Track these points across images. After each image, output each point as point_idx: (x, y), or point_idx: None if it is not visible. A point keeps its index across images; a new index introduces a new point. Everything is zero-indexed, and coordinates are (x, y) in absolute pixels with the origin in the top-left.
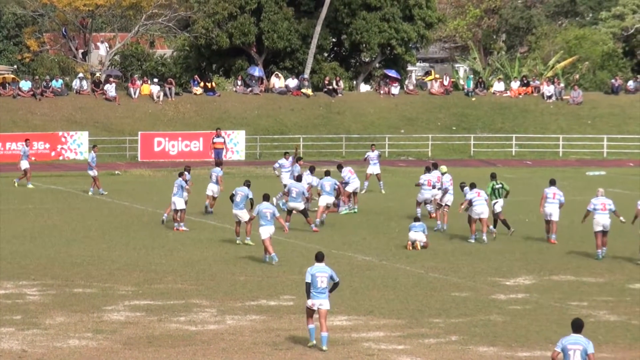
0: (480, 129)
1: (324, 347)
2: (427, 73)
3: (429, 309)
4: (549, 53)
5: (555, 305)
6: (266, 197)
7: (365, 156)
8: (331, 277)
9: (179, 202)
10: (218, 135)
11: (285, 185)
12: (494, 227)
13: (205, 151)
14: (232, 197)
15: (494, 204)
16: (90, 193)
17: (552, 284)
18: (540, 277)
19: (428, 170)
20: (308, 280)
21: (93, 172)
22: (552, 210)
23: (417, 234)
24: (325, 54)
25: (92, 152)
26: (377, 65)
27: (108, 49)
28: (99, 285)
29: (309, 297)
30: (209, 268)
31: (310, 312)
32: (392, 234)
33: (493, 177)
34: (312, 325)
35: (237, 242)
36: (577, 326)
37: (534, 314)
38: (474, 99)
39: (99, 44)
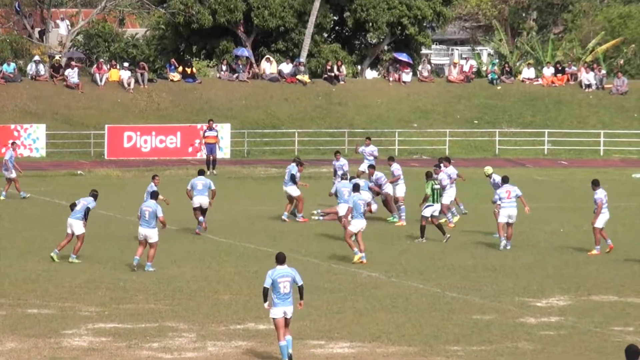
0: (507, 123)
1: (291, 350)
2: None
3: (446, 334)
4: (588, 34)
5: (595, 331)
6: (357, 187)
7: (360, 150)
8: (294, 281)
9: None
10: (211, 128)
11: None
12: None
13: (184, 148)
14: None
15: (427, 207)
16: (2, 197)
17: (591, 306)
18: (577, 297)
19: (438, 166)
20: (267, 285)
21: (10, 174)
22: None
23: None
24: (325, 35)
25: (11, 150)
26: (386, 47)
27: (69, 27)
28: (58, 305)
29: (265, 301)
30: (187, 285)
31: (280, 323)
32: (403, 246)
33: (429, 176)
34: (284, 342)
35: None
36: (633, 353)
37: (569, 341)
38: (499, 87)
39: (58, 21)
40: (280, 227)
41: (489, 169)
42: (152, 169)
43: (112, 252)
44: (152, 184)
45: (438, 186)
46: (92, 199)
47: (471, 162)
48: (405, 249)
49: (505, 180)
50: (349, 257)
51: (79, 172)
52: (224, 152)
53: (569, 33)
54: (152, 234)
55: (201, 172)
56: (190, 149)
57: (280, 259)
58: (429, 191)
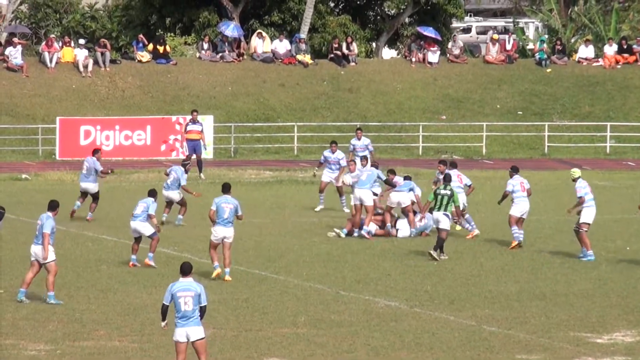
0: (559, 115)
1: None
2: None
3: None
4: None
5: None
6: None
7: (351, 146)
8: (199, 298)
9: (142, 226)
10: (194, 121)
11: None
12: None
13: (155, 145)
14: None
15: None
16: None
17: None
18: None
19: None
20: (166, 301)
21: None
22: None
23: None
24: (332, 4)
25: None
26: (408, 20)
27: None
28: None
29: (163, 320)
30: (159, 317)
31: (181, 348)
32: (428, 268)
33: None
34: None
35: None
36: None
37: None
38: (549, 70)
39: None
40: (276, 244)
41: (576, 172)
42: (116, 173)
43: (66, 275)
44: (94, 158)
45: (448, 192)
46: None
47: (514, 163)
48: (431, 271)
49: (515, 170)
50: (364, 280)
51: (23, 176)
52: (205, 150)
53: (638, 2)
54: (144, 228)
55: (226, 189)
56: (163, 147)
57: (185, 270)
58: (431, 197)
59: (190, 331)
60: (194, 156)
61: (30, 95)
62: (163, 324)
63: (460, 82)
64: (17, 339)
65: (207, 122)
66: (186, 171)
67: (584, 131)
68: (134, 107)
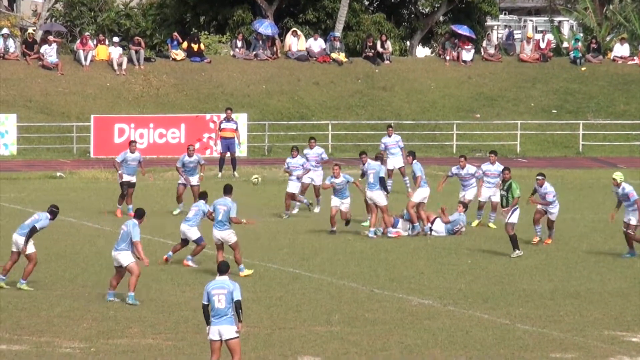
0: (594, 113)
1: None
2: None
3: None
4: None
5: None
6: None
7: (382, 144)
8: (232, 296)
9: (191, 231)
10: (229, 119)
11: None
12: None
13: (189, 143)
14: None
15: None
16: None
17: None
18: None
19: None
20: (204, 300)
21: None
22: None
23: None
24: (366, 2)
25: None
26: (442, 18)
27: None
28: (32, 339)
29: (208, 325)
30: (194, 315)
31: (214, 347)
32: (462, 266)
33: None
34: None
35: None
36: None
37: None
38: (584, 68)
39: None
40: (310, 243)
41: (619, 176)
42: (149, 170)
43: (99, 274)
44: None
45: (504, 192)
46: (47, 215)
47: (548, 161)
48: (465, 269)
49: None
50: (397, 279)
51: (58, 174)
52: (239, 148)
53: None
54: (191, 233)
55: (226, 190)
56: (197, 145)
57: (221, 269)
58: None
59: (223, 329)
60: (228, 154)
61: (65, 93)
62: (207, 329)
63: (494, 81)
64: (52, 336)
65: (241, 120)
66: (190, 155)
67: (619, 130)
68: (168, 105)
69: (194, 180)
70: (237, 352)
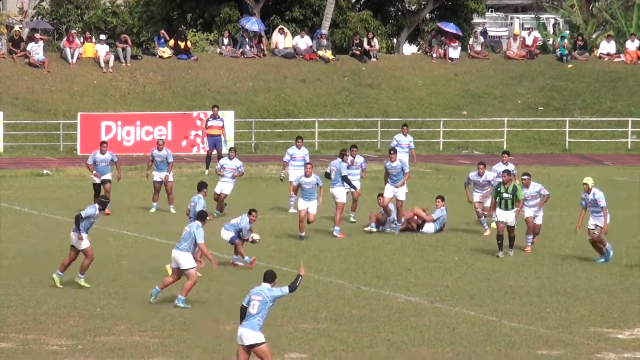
0: (580, 111)
1: None
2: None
3: None
4: None
5: None
6: None
7: (395, 141)
8: (266, 306)
9: (225, 234)
10: (215, 117)
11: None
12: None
13: (176, 141)
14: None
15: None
16: None
17: None
18: None
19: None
20: (244, 303)
21: None
22: None
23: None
24: (353, 0)
25: None
26: (429, 16)
27: None
28: (19, 337)
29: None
30: (181, 312)
31: (239, 351)
32: (449, 264)
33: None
34: None
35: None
36: None
37: None
38: (570, 65)
39: None
40: (296, 240)
41: (590, 181)
42: (136, 167)
43: (87, 271)
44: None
45: (509, 195)
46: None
47: (535, 158)
48: (452, 266)
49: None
50: (384, 276)
51: (45, 171)
52: (226, 146)
53: None
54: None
55: (201, 186)
56: (184, 143)
57: (267, 277)
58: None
59: (245, 333)
60: (215, 152)
61: (51, 91)
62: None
63: (481, 78)
64: (38, 333)
65: (228, 117)
66: (159, 149)
67: (605, 127)
68: (155, 102)
69: (162, 175)
70: (266, 356)
